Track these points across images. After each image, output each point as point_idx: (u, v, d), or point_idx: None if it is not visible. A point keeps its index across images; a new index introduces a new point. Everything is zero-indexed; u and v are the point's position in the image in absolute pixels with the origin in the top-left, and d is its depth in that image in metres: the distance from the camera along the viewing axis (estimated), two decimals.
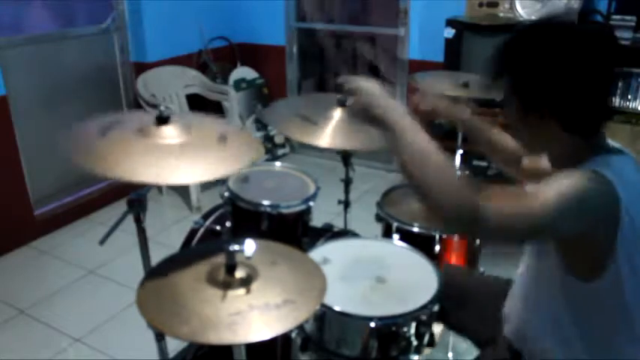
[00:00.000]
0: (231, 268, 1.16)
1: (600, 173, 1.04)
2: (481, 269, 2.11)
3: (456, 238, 1.83)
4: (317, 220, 2.02)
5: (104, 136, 1.31)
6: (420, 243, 1.70)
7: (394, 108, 1.12)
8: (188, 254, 1.54)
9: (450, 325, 1.57)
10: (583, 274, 1.10)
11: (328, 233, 2.00)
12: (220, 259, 1.19)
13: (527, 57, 1.10)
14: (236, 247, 1.16)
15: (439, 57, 3.41)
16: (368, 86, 1.19)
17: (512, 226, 1.01)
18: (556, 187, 1.02)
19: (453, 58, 3.27)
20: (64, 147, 1.27)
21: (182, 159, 1.26)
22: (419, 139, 1.08)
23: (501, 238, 1.06)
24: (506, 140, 1.52)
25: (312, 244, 1.72)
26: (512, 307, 1.33)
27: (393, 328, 1.35)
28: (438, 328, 1.51)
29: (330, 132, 1.86)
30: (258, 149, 1.43)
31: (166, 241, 2.64)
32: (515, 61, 1.13)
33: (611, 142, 1.18)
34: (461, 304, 1.52)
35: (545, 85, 1.08)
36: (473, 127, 1.57)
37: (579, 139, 1.13)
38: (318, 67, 5.52)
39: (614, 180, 1.04)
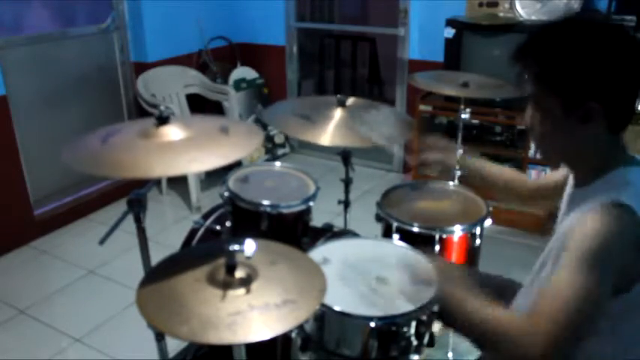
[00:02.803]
0: (231, 268, 1.16)
1: (622, 206, 1.00)
2: (481, 269, 2.11)
3: (455, 238, 1.83)
4: (317, 220, 2.02)
5: (105, 143, 1.31)
6: (420, 243, 1.70)
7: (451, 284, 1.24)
8: (188, 254, 1.54)
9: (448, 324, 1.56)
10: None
11: (328, 233, 2.00)
12: (220, 259, 1.19)
13: (573, 49, 1.03)
14: (236, 247, 1.16)
15: (439, 57, 3.41)
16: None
17: (568, 331, 0.99)
18: (579, 263, 0.99)
19: (453, 58, 3.27)
20: (66, 159, 1.26)
21: (186, 152, 1.26)
22: (464, 309, 1.16)
23: (570, 342, 1.01)
24: (520, 177, 1.54)
25: (312, 244, 1.72)
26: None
27: (393, 328, 1.35)
28: (437, 328, 1.51)
29: (330, 130, 1.86)
30: (260, 136, 1.42)
31: (166, 241, 2.64)
32: (557, 55, 1.05)
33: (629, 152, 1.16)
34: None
35: (594, 78, 1.02)
36: (483, 174, 1.63)
37: (610, 142, 1.10)
38: (318, 67, 5.53)
39: (636, 204, 1.01)
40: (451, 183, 2.05)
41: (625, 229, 1.00)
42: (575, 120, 1.07)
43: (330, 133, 1.85)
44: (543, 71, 1.08)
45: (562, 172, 1.36)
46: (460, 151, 2.04)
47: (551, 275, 1.06)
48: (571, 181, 1.26)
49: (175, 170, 1.22)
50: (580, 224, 1.04)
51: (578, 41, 1.04)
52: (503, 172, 1.61)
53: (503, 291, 1.41)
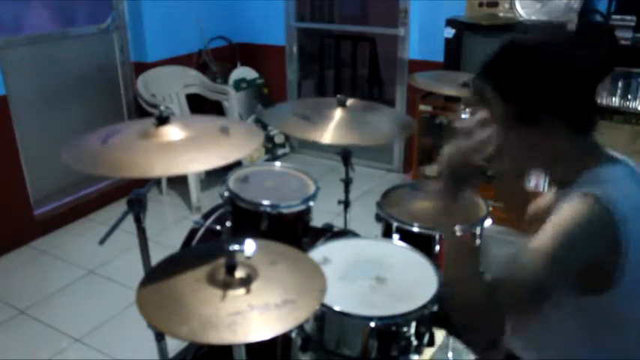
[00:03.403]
0: (231, 268, 1.16)
1: (595, 196, 1.04)
2: (481, 269, 2.11)
3: None
4: (317, 220, 2.02)
5: (105, 143, 1.31)
6: (420, 243, 1.70)
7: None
8: (188, 254, 1.54)
9: (450, 331, 1.57)
10: (591, 290, 1.09)
11: (328, 233, 2.00)
12: (220, 259, 1.19)
13: (522, 59, 1.11)
14: (236, 247, 1.16)
15: (439, 57, 3.41)
16: None
17: (522, 299, 1.05)
18: (549, 240, 1.04)
19: (453, 58, 3.27)
20: (67, 159, 1.26)
21: (186, 152, 1.26)
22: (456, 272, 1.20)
23: (523, 310, 1.12)
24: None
25: (312, 244, 1.72)
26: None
27: (393, 328, 1.35)
28: (439, 331, 1.51)
29: (330, 129, 1.86)
30: (259, 136, 1.43)
31: (166, 241, 2.64)
32: (510, 65, 1.12)
33: (610, 151, 1.18)
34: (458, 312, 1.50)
35: (544, 87, 1.08)
36: None
37: (580, 144, 1.13)
38: (318, 67, 5.53)
39: (611, 198, 1.04)
40: None
41: (593, 217, 1.03)
42: (536, 123, 1.11)
43: (330, 132, 1.85)
44: (500, 80, 1.13)
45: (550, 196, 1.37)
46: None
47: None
48: (552, 188, 1.28)
49: (175, 170, 1.23)
50: (559, 208, 1.08)
51: (529, 52, 1.12)
52: None
53: None
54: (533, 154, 1.17)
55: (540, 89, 1.09)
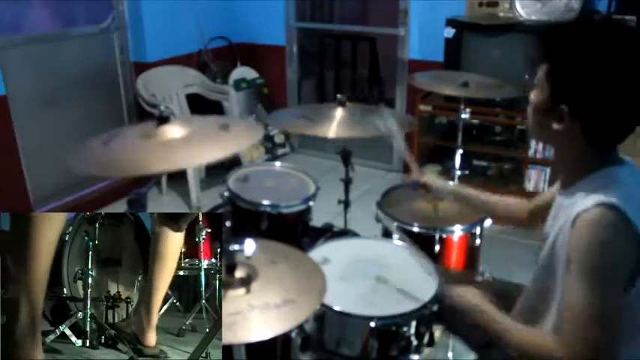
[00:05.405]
0: (231, 268, 1.16)
1: (610, 206, 1.02)
2: (481, 269, 2.11)
3: (455, 238, 1.83)
4: (317, 220, 2.02)
5: (106, 145, 1.31)
6: (420, 243, 1.70)
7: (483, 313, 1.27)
8: None
9: (449, 329, 1.55)
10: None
11: (328, 233, 2.00)
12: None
13: (575, 47, 1.06)
14: (236, 246, 1.16)
15: (439, 57, 3.41)
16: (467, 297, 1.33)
17: (602, 344, 1.03)
18: (590, 278, 1.03)
19: (453, 57, 3.27)
20: (70, 162, 1.26)
21: (187, 147, 1.26)
22: (506, 334, 1.20)
23: (607, 353, 1.05)
24: (519, 200, 1.57)
25: (312, 244, 1.72)
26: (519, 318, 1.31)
27: (393, 328, 1.35)
28: (438, 329, 1.51)
29: (331, 127, 1.86)
30: (259, 131, 1.43)
31: None
32: (560, 48, 1.08)
33: (617, 152, 1.16)
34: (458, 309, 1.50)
35: (582, 80, 1.05)
36: (479, 201, 1.66)
37: (594, 150, 1.11)
38: (318, 67, 5.53)
39: (625, 203, 1.03)
40: (451, 183, 2.05)
41: (620, 234, 1.03)
42: (558, 111, 1.10)
43: (332, 129, 1.85)
44: (548, 56, 1.12)
45: (556, 187, 1.37)
46: (453, 183, 2.04)
47: (565, 293, 1.09)
48: (557, 187, 1.27)
49: (177, 165, 1.22)
50: (577, 229, 1.06)
51: (589, 42, 1.06)
52: (499, 198, 1.64)
53: (509, 297, 1.41)
54: (546, 135, 1.18)
55: (580, 79, 1.05)
